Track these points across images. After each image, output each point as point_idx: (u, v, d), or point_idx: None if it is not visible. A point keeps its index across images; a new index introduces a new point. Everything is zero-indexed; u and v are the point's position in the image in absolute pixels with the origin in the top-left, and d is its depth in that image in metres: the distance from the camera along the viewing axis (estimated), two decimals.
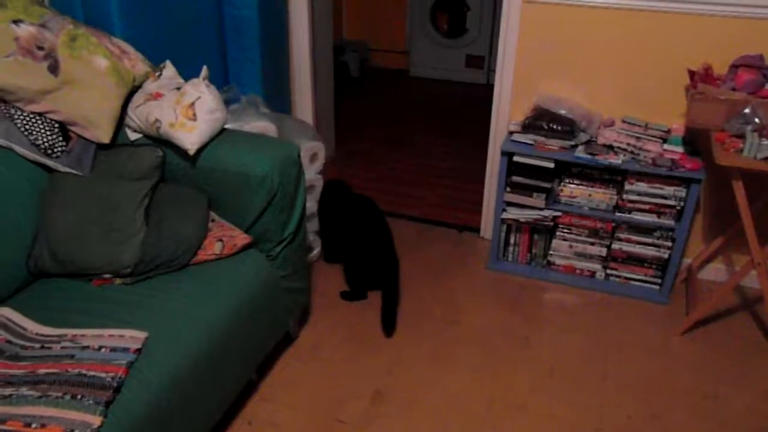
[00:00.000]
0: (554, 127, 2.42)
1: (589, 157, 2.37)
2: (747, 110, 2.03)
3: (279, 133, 2.28)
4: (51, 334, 1.48)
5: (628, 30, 2.39)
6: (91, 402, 1.27)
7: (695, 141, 2.40)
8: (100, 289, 1.68)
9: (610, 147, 2.40)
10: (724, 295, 2.39)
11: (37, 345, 1.44)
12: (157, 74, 1.97)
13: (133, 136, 1.96)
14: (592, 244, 2.57)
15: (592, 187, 2.48)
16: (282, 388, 2.05)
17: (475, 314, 2.44)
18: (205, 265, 1.79)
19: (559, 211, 2.54)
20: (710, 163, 2.19)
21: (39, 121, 1.76)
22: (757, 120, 2.01)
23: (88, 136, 1.84)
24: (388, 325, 2.32)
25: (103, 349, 1.41)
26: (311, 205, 2.54)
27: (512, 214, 2.61)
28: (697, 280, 2.61)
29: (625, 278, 2.59)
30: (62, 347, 1.42)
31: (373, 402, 2.00)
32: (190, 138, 1.82)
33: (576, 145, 2.44)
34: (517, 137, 2.51)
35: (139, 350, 1.44)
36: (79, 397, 1.27)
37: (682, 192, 2.34)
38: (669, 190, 2.36)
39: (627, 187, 2.41)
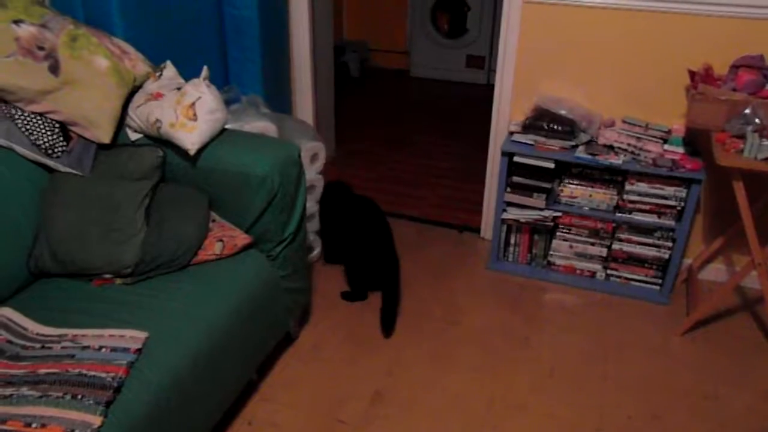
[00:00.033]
0: (555, 127, 2.42)
1: (589, 157, 2.37)
2: (747, 111, 2.03)
3: (279, 133, 2.28)
4: (51, 334, 1.48)
5: (629, 30, 2.39)
6: (91, 402, 1.27)
7: (696, 141, 2.40)
8: (101, 289, 1.68)
9: (611, 147, 2.40)
10: (725, 296, 2.39)
11: (38, 345, 1.44)
12: (157, 74, 1.97)
13: (133, 136, 1.96)
14: (593, 244, 2.57)
15: (592, 187, 2.48)
16: (282, 388, 2.05)
17: (475, 314, 2.44)
18: (205, 265, 1.80)
19: (559, 211, 2.54)
20: (711, 164, 2.19)
21: (40, 121, 1.76)
22: (757, 120, 2.01)
23: (89, 136, 1.84)
24: (387, 326, 2.32)
25: (104, 349, 1.41)
26: (311, 206, 2.54)
27: (512, 214, 2.61)
28: (698, 281, 2.60)
29: (626, 278, 2.59)
30: (63, 347, 1.42)
31: (373, 402, 2.00)
32: (191, 138, 1.82)
33: (576, 146, 2.44)
34: (517, 137, 2.51)
35: (139, 350, 1.44)
36: (79, 397, 1.27)
37: (682, 192, 2.34)
38: (669, 190, 2.36)
39: (627, 187, 2.41)
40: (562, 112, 2.45)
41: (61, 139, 1.79)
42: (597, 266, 2.61)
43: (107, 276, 1.70)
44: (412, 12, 5.33)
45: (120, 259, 1.67)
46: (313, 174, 2.50)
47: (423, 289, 2.59)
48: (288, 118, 2.60)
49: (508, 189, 2.56)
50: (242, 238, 1.87)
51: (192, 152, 1.83)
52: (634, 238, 2.49)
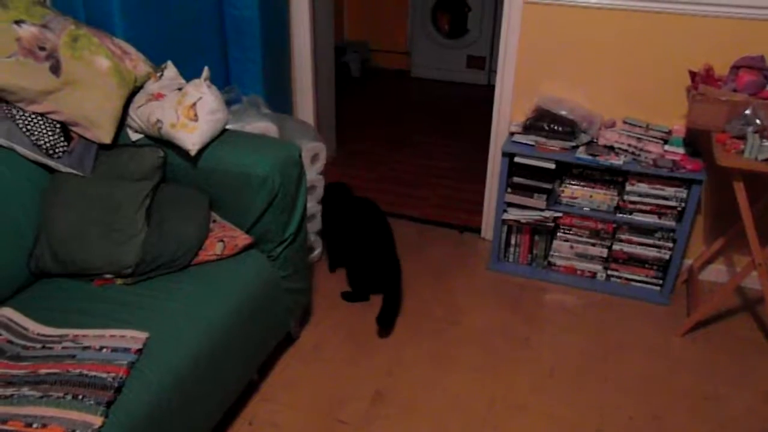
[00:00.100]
0: (555, 128, 2.42)
1: (590, 158, 2.37)
2: (748, 111, 2.03)
3: (280, 133, 2.29)
4: (52, 335, 1.48)
5: (629, 31, 2.39)
6: (92, 402, 1.27)
7: (696, 142, 2.40)
8: (101, 289, 1.68)
9: (611, 148, 2.40)
10: (725, 296, 2.39)
11: (39, 345, 1.44)
12: (158, 75, 1.97)
13: (134, 136, 1.96)
14: (593, 245, 2.57)
15: (593, 188, 2.48)
16: (283, 388, 2.05)
17: (475, 315, 2.44)
18: (206, 266, 1.80)
19: (559, 212, 2.54)
20: (711, 164, 2.19)
21: (41, 122, 1.76)
22: (758, 121, 2.01)
23: (90, 136, 1.84)
24: (385, 324, 2.30)
25: (104, 350, 1.42)
26: (312, 206, 2.54)
27: (513, 214, 2.61)
28: (698, 281, 2.60)
29: (626, 279, 2.59)
30: (63, 347, 1.43)
31: (373, 402, 2.01)
32: (192, 138, 1.82)
33: (577, 146, 2.44)
34: (518, 138, 2.51)
35: (140, 350, 1.44)
36: (80, 397, 1.27)
37: (683, 193, 2.34)
38: (670, 191, 2.36)
39: (628, 188, 2.41)
40: (563, 113, 2.46)
41: (62, 139, 1.79)
42: (597, 267, 2.61)
43: (108, 276, 1.70)
44: (413, 12, 5.34)
45: (121, 260, 1.67)
46: (313, 174, 2.50)
47: (423, 289, 2.59)
48: (289, 119, 2.60)
49: (509, 189, 2.56)
50: (243, 239, 1.87)
51: (193, 153, 1.83)
52: (635, 238, 2.49)
